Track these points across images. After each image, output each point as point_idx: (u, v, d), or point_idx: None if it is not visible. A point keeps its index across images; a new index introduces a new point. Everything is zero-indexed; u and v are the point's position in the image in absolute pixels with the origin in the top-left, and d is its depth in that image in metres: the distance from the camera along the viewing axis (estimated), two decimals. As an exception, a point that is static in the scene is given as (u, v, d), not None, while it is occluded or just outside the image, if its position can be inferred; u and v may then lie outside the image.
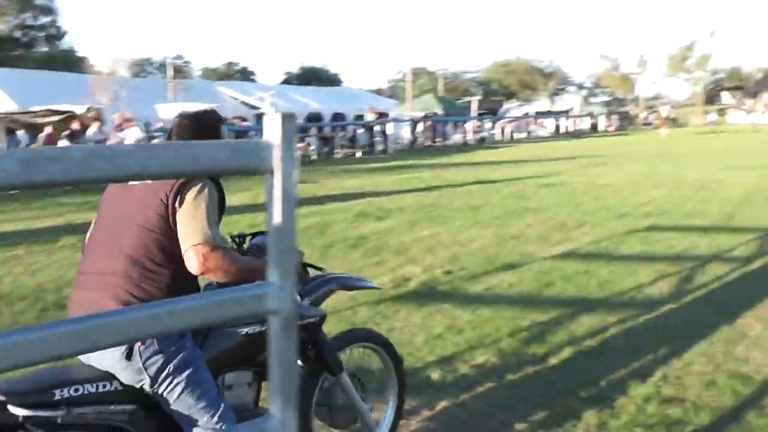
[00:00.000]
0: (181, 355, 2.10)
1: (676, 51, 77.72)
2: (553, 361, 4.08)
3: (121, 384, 2.07)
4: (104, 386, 2.04)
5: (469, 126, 34.89)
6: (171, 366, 2.08)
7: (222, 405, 2.17)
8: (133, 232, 2.12)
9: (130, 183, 2.12)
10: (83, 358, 2.12)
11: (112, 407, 2.06)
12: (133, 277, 2.08)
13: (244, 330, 2.35)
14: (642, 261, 6.53)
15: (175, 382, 2.09)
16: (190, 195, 2.11)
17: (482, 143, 33.57)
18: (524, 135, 45.55)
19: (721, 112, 69.82)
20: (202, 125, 2.35)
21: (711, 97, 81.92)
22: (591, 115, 54.66)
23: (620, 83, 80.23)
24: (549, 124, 50.92)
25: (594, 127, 50.32)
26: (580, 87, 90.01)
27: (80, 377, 2.04)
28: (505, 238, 7.91)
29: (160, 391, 2.09)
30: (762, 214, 9.25)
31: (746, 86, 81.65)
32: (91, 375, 2.06)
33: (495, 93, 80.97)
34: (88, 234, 2.35)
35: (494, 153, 27.62)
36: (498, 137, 36.85)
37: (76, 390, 1.98)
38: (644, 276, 5.89)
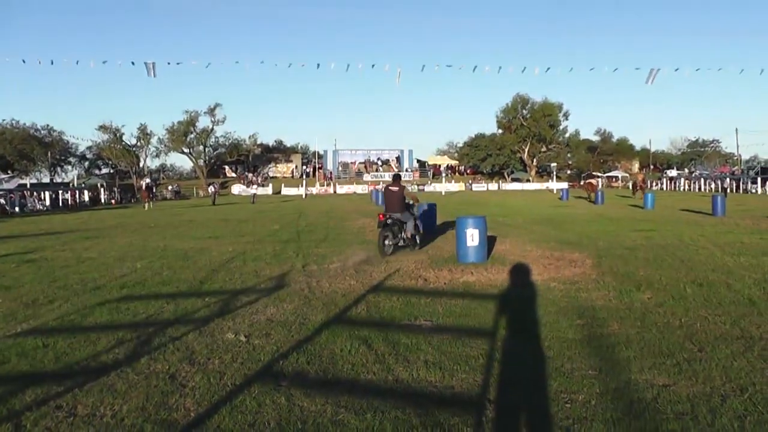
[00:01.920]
0: (415, 213, 14.37)
1: (177, 126, 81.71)
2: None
3: (400, 219, 13.57)
4: (400, 218, 13.56)
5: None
6: (414, 216, 14.06)
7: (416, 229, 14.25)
8: (399, 196, 13.60)
9: (391, 188, 13.70)
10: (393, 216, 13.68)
11: (399, 222, 13.61)
12: (400, 204, 13.58)
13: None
14: (105, 330, 6.76)
15: (413, 218, 13.92)
16: (406, 186, 14.30)
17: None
18: (17, 209, 41.99)
19: (224, 184, 75.93)
20: (399, 175, 14.90)
21: (214, 170, 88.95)
22: (91, 187, 53.44)
23: (123, 155, 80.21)
24: (47, 197, 48.00)
25: (95, 200, 49.32)
26: (83, 158, 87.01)
27: (396, 218, 13.52)
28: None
29: (406, 220, 13.64)
30: (232, 279, 10.16)
31: (246, 161, 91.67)
32: (397, 217, 13.53)
33: (-12, 163, 71.94)
34: (382, 198, 15.17)
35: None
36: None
37: (397, 219, 13.55)
38: (103, 344, 6.18)
